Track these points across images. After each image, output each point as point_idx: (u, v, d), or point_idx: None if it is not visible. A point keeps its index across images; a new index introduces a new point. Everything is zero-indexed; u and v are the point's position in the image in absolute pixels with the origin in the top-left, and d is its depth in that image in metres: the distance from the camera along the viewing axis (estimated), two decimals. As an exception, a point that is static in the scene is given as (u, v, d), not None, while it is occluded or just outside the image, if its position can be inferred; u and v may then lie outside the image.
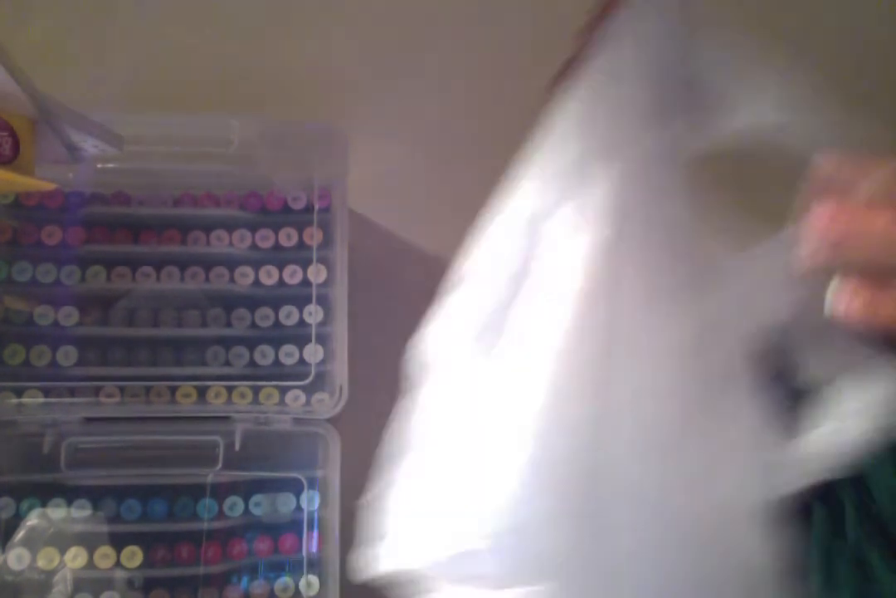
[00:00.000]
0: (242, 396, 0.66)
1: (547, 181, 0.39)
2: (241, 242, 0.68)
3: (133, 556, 0.62)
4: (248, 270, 0.68)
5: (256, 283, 0.68)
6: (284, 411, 0.65)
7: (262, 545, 0.65)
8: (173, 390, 0.65)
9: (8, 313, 0.65)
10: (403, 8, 0.87)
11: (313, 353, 0.66)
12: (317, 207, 0.69)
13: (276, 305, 0.68)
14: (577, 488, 0.33)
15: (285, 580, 0.64)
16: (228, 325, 0.67)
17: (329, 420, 0.65)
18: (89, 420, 0.64)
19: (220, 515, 0.64)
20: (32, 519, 0.62)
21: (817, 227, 0.32)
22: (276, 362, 0.67)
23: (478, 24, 0.88)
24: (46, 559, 0.61)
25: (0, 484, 0.62)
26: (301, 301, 0.67)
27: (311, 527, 0.65)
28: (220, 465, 0.64)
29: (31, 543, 0.61)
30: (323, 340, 0.67)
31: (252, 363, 0.66)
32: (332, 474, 0.65)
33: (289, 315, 0.67)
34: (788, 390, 0.35)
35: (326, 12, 0.86)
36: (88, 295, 0.66)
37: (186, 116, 0.71)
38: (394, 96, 0.86)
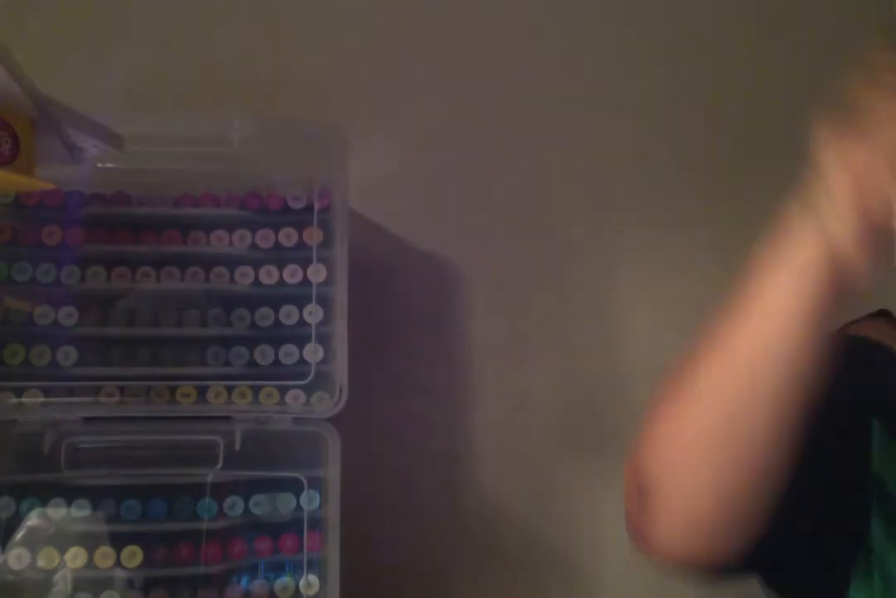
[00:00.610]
0: (242, 395, 0.66)
1: None
2: (241, 242, 0.68)
3: (133, 556, 0.62)
4: (248, 269, 0.68)
5: (256, 283, 0.68)
6: (284, 411, 0.65)
7: (262, 544, 0.64)
8: (173, 389, 0.65)
9: (8, 313, 0.65)
10: (403, 9, 0.87)
11: (313, 353, 0.66)
12: (317, 207, 0.69)
13: (276, 304, 0.67)
14: None
15: (285, 580, 0.64)
16: (228, 325, 0.67)
17: (329, 420, 0.65)
18: (89, 420, 0.64)
19: (220, 515, 0.64)
20: (32, 519, 0.62)
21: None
22: (276, 362, 0.67)
23: (478, 24, 0.88)
24: (46, 559, 0.61)
25: (0, 484, 0.62)
26: (301, 301, 0.67)
27: (311, 527, 0.65)
28: (220, 465, 0.64)
29: (31, 543, 0.61)
30: (323, 340, 0.67)
31: (252, 363, 0.66)
32: (332, 474, 0.65)
33: (289, 315, 0.67)
34: None
35: (327, 13, 0.86)
36: (88, 295, 0.66)
37: (186, 116, 0.71)
38: (394, 97, 0.86)
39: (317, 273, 0.67)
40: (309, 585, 0.64)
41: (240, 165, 0.70)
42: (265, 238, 0.68)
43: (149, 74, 0.82)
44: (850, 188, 0.37)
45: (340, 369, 0.65)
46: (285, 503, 0.65)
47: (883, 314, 0.56)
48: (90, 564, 0.61)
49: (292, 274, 0.68)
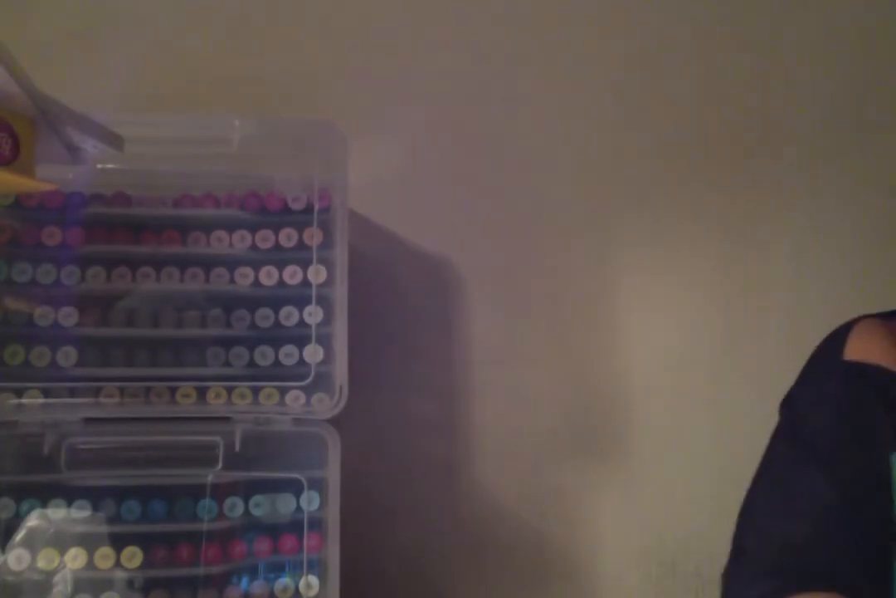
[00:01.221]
0: (242, 396, 0.66)
1: None
2: (241, 242, 0.68)
3: (133, 556, 0.62)
4: (248, 270, 0.68)
5: (256, 283, 0.68)
6: (284, 412, 0.65)
7: (262, 545, 0.65)
8: (173, 390, 0.65)
9: (8, 314, 0.65)
10: (403, 9, 0.87)
11: (313, 353, 0.66)
12: (317, 207, 0.68)
13: (276, 305, 0.67)
14: None
15: (285, 581, 0.64)
16: (228, 325, 0.67)
17: (329, 420, 0.65)
18: (89, 421, 0.64)
19: (220, 515, 0.64)
20: (32, 519, 0.62)
21: None
22: (276, 363, 0.67)
23: (478, 24, 0.88)
24: (46, 559, 0.61)
25: (0, 484, 0.62)
26: (301, 301, 0.67)
27: (311, 527, 0.65)
28: (220, 465, 0.64)
29: (31, 543, 0.61)
30: (323, 340, 0.66)
31: (252, 364, 0.66)
32: (332, 474, 0.65)
33: (289, 315, 0.67)
34: None
35: (327, 13, 0.86)
36: (88, 295, 0.66)
37: (186, 116, 0.71)
38: (394, 96, 0.86)
39: (317, 274, 0.67)
40: (309, 586, 0.64)
41: (240, 165, 0.70)
42: (265, 239, 0.68)
43: (149, 74, 0.81)
44: None
45: (340, 369, 0.65)
46: (285, 504, 0.65)
47: (862, 318, 0.55)
48: (90, 565, 0.61)
49: (292, 275, 0.68)
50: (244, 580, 0.64)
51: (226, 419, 0.65)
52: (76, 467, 0.63)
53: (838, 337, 0.54)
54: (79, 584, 0.61)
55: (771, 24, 0.90)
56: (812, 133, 0.89)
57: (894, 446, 0.48)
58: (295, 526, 0.65)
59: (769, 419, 0.57)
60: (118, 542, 0.62)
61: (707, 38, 0.89)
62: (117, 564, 0.61)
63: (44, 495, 0.63)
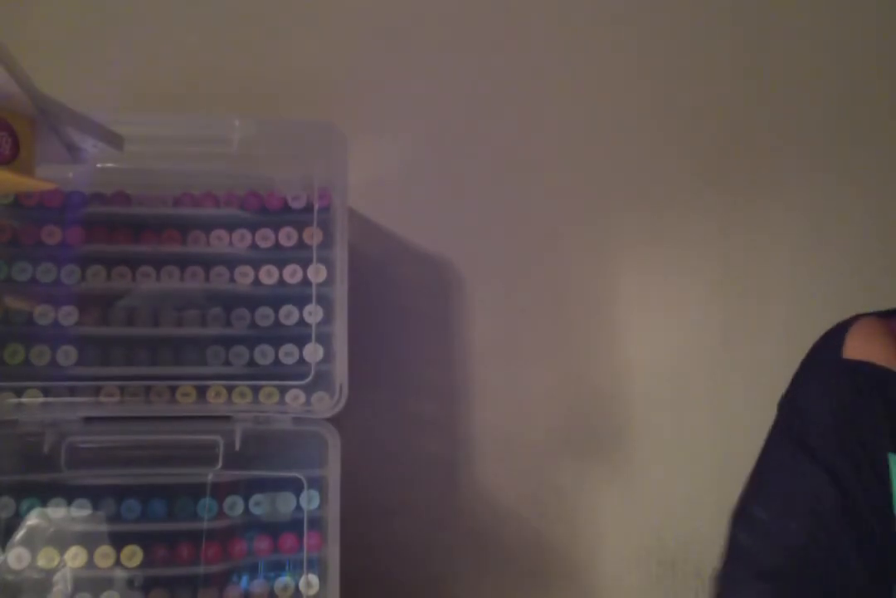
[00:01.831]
0: (242, 395, 0.66)
1: None
2: (241, 241, 0.68)
3: (133, 555, 0.62)
4: (248, 269, 0.68)
5: (256, 282, 0.68)
6: (284, 411, 0.65)
7: (262, 544, 0.65)
8: (173, 389, 0.65)
9: (8, 313, 0.65)
10: (403, 9, 0.87)
11: (313, 352, 0.66)
12: (317, 206, 0.69)
13: (276, 304, 0.68)
14: None
15: (285, 580, 0.64)
16: (228, 324, 0.67)
17: (329, 420, 0.65)
18: (89, 420, 0.64)
19: (220, 514, 0.64)
20: (32, 519, 0.62)
21: None
22: (276, 362, 0.67)
23: (478, 24, 0.88)
24: (46, 558, 0.61)
25: (0, 484, 0.62)
26: (301, 301, 0.67)
27: (311, 527, 0.65)
28: (220, 464, 0.64)
29: (31, 543, 0.61)
30: (323, 339, 0.67)
31: (252, 363, 0.66)
32: (332, 473, 0.65)
33: (289, 315, 0.67)
34: None
35: (326, 13, 0.86)
36: (88, 295, 0.66)
37: (186, 116, 0.71)
38: (393, 96, 0.86)
39: (317, 273, 0.67)
40: (309, 585, 0.64)
41: (240, 165, 0.70)
42: (265, 238, 0.68)
43: (149, 74, 0.82)
44: None
45: (340, 368, 0.65)
46: (285, 503, 0.65)
47: (860, 317, 0.55)
48: (90, 564, 0.61)
49: (292, 274, 0.68)
50: (244, 579, 0.64)
51: (226, 418, 0.65)
52: (76, 466, 0.63)
53: (836, 336, 0.54)
54: (79, 583, 0.61)
55: (771, 23, 0.90)
56: (812, 133, 0.89)
57: (892, 446, 0.48)
58: (295, 525, 0.65)
59: (769, 419, 0.57)
60: (118, 541, 0.62)
61: (707, 37, 0.89)
62: (117, 563, 0.61)
63: (44, 494, 0.63)
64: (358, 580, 0.66)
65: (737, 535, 0.51)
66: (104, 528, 0.62)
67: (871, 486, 0.47)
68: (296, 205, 0.69)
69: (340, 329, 0.66)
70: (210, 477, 0.64)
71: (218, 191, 0.70)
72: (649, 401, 0.85)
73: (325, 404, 0.65)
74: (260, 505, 0.65)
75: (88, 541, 0.61)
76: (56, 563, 0.61)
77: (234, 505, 0.64)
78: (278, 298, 0.68)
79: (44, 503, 0.62)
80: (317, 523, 0.65)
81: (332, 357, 0.66)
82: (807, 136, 0.89)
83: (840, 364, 0.52)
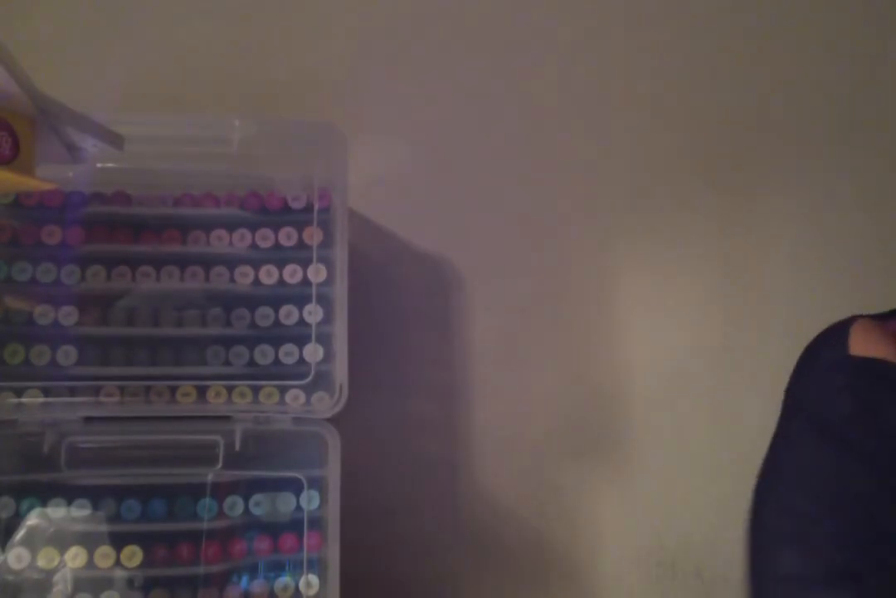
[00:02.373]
0: (242, 395, 0.66)
1: None
2: (241, 241, 0.68)
3: (133, 556, 0.62)
4: (248, 269, 0.68)
5: (256, 282, 0.68)
6: (284, 411, 0.65)
7: (262, 544, 0.65)
8: (173, 389, 0.65)
9: (8, 313, 0.65)
10: (403, 8, 0.87)
11: (313, 352, 0.66)
12: (317, 206, 0.69)
13: (276, 304, 0.68)
14: None
15: (285, 580, 0.64)
16: (228, 324, 0.67)
17: (329, 420, 0.65)
18: (89, 420, 0.64)
19: (220, 514, 0.64)
20: (32, 519, 0.62)
21: None
22: (276, 362, 0.67)
23: (477, 23, 0.88)
24: (46, 558, 0.61)
25: (0, 484, 0.62)
26: (301, 301, 0.67)
27: (311, 527, 0.65)
28: (220, 464, 0.64)
29: (31, 543, 0.61)
30: (323, 339, 0.67)
31: (252, 363, 0.66)
32: (332, 473, 0.65)
33: (289, 315, 0.67)
34: None
35: (326, 13, 0.86)
36: (88, 295, 0.66)
37: (186, 116, 0.71)
38: (393, 96, 0.86)
39: (317, 273, 0.67)
40: (309, 585, 0.64)
41: (240, 165, 0.70)
42: (265, 238, 0.68)
43: (149, 74, 0.82)
44: None
45: (340, 369, 0.65)
46: (285, 503, 0.65)
47: (859, 317, 0.55)
48: (90, 564, 0.61)
49: (292, 274, 0.68)
50: (244, 579, 0.64)
51: (226, 418, 0.65)
52: (76, 466, 0.63)
53: (838, 333, 0.54)
54: (79, 583, 0.61)
55: (771, 24, 0.90)
56: (812, 133, 0.89)
57: None
58: (295, 525, 0.65)
59: (770, 419, 0.57)
60: (118, 541, 0.62)
61: (705, 36, 0.89)
62: (117, 563, 0.61)
63: (44, 494, 0.63)
64: (358, 580, 0.66)
65: (781, 535, 0.49)
66: (104, 528, 0.62)
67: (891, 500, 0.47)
68: (296, 205, 0.69)
69: (340, 329, 0.66)
70: (210, 477, 0.64)
71: (218, 191, 0.70)
72: (649, 401, 0.85)
73: (325, 405, 0.65)
74: (260, 505, 0.65)
75: (88, 541, 0.61)
76: (56, 563, 0.61)
77: (234, 505, 0.64)
78: (278, 298, 0.68)
79: (44, 503, 0.62)
80: (317, 523, 0.65)
81: (332, 357, 0.66)
82: (807, 136, 0.89)
83: (849, 359, 0.52)
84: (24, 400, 0.63)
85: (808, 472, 0.50)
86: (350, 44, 0.86)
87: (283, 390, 0.66)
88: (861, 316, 0.55)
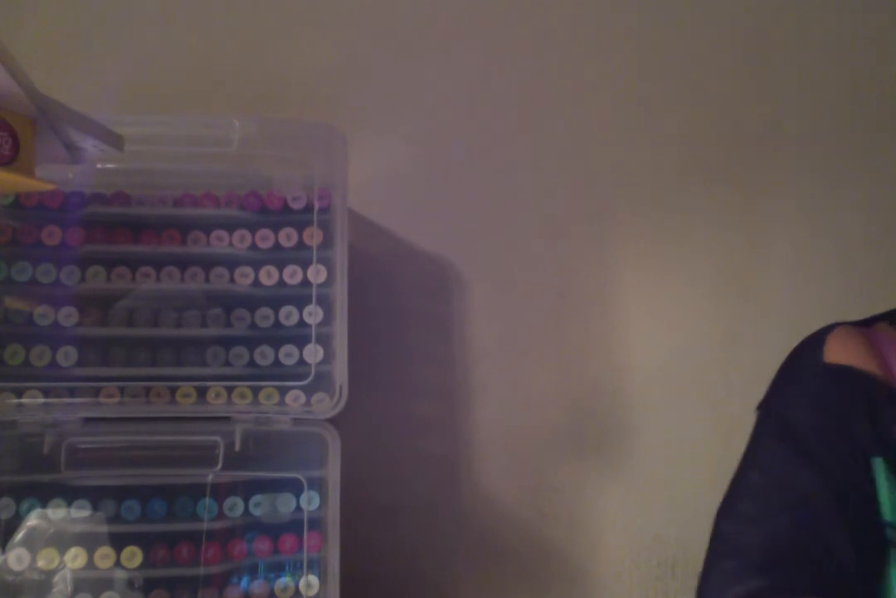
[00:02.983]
0: (242, 396, 0.66)
1: None
2: (241, 242, 0.68)
3: (133, 556, 0.62)
4: (248, 270, 0.68)
5: (256, 283, 0.68)
6: (284, 412, 0.65)
7: (262, 545, 0.65)
8: (173, 390, 0.65)
9: (8, 313, 0.65)
10: (403, 9, 0.87)
11: (313, 353, 0.66)
12: (317, 207, 0.68)
13: (276, 305, 0.67)
14: None
15: (285, 580, 0.64)
16: (228, 325, 0.67)
17: (329, 420, 0.65)
18: (89, 420, 0.64)
19: (220, 515, 0.64)
20: (32, 519, 0.62)
21: None
22: (276, 363, 0.67)
23: (478, 24, 0.88)
24: (46, 559, 0.61)
25: (0, 484, 0.62)
26: (301, 301, 0.67)
27: (311, 527, 0.65)
28: (220, 465, 0.64)
29: (31, 543, 0.61)
30: (323, 340, 0.67)
31: (252, 363, 0.66)
32: (332, 474, 0.65)
33: (289, 315, 0.67)
34: None
35: (326, 13, 0.86)
36: (88, 295, 0.66)
37: (186, 116, 0.71)
38: (393, 96, 0.86)
39: (317, 274, 0.67)
40: (309, 585, 0.64)
41: (240, 165, 0.70)
42: (265, 238, 0.68)
43: (149, 74, 0.82)
44: None
45: (340, 369, 0.65)
46: (285, 504, 0.65)
47: (839, 325, 0.56)
48: (90, 564, 0.61)
49: (292, 274, 0.68)
50: (244, 580, 0.64)
51: (226, 419, 0.65)
52: (76, 467, 0.63)
53: (816, 341, 0.55)
54: (79, 584, 0.61)
55: (771, 25, 0.90)
56: (812, 134, 0.89)
57: (876, 448, 0.48)
58: (295, 526, 0.65)
59: (769, 419, 0.57)
60: (118, 542, 0.62)
61: (707, 37, 0.89)
62: (117, 563, 0.61)
63: (44, 494, 0.63)
64: (358, 580, 0.66)
65: (723, 530, 0.51)
66: (104, 529, 0.62)
67: (858, 483, 0.47)
68: (296, 205, 0.69)
69: (340, 330, 0.66)
70: (210, 478, 0.64)
71: (218, 191, 0.69)
72: (649, 401, 0.85)
73: (325, 405, 0.65)
74: (260, 506, 0.65)
75: (88, 542, 0.61)
76: (56, 564, 0.61)
77: (234, 506, 0.64)
78: (278, 298, 0.68)
79: (44, 504, 0.62)
80: (317, 523, 0.65)
81: (332, 358, 0.66)
82: (807, 137, 0.89)
83: (822, 367, 0.52)
84: (24, 401, 0.63)
85: (766, 473, 0.51)
86: (350, 44, 0.85)
87: (283, 391, 0.66)
88: (841, 324, 0.56)
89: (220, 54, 0.84)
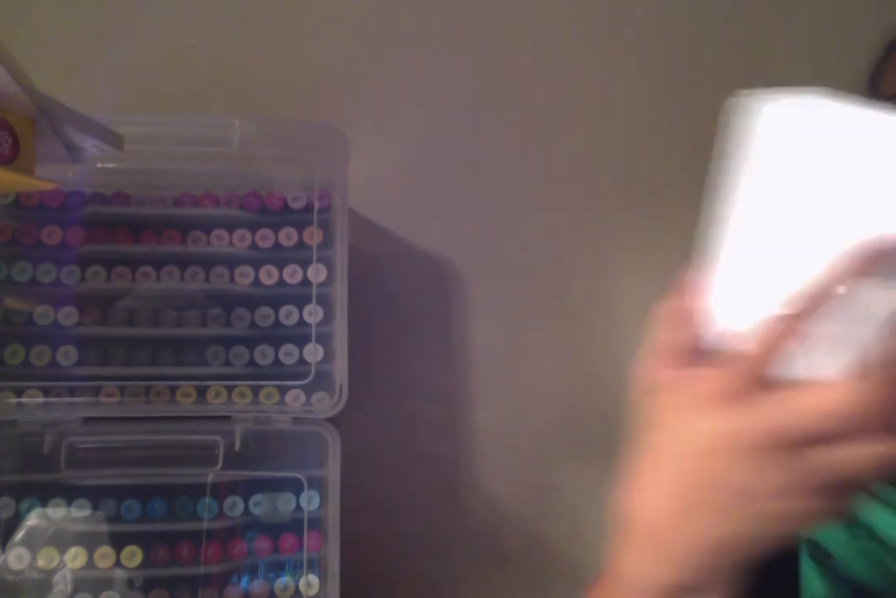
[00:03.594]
0: (242, 395, 0.66)
1: None
2: (241, 241, 0.68)
3: (133, 556, 0.62)
4: (248, 269, 0.68)
5: (256, 283, 0.68)
6: (284, 411, 0.65)
7: (262, 544, 0.65)
8: (173, 389, 0.65)
9: (8, 313, 0.65)
10: (403, 9, 0.87)
11: (313, 353, 0.66)
12: (317, 207, 0.69)
13: (276, 304, 0.68)
14: None
15: (285, 580, 0.64)
16: (228, 325, 0.67)
17: (329, 420, 0.65)
18: (89, 420, 0.64)
19: (220, 515, 0.64)
20: (32, 519, 0.62)
21: None
22: (276, 362, 0.67)
23: (477, 25, 0.88)
24: (46, 559, 0.61)
25: (0, 484, 0.62)
26: (301, 301, 0.67)
27: (311, 527, 0.65)
28: (220, 465, 0.64)
29: (31, 543, 0.61)
30: (323, 340, 0.67)
31: (252, 363, 0.66)
32: (332, 473, 0.65)
33: (289, 315, 0.67)
34: None
35: (326, 13, 0.86)
36: (88, 295, 0.66)
37: (186, 116, 0.71)
38: (393, 96, 0.86)
39: (317, 273, 0.67)
40: (309, 585, 0.64)
41: (240, 165, 0.70)
42: (265, 238, 0.68)
43: (149, 74, 0.82)
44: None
45: (340, 369, 0.65)
46: (285, 503, 0.65)
47: None
48: (90, 564, 0.61)
49: (292, 274, 0.68)
50: (244, 580, 0.64)
51: (226, 418, 0.65)
52: (76, 467, 0.63)
53: None
54: (79, 583, 0.61)
55: (771, 25, 0.90)
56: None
57: None
58: (295, 525, 0.65)
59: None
60: (118, 541, 0.62)
61: (707, 39, 0.89)
62: (117, 563, 0.61)
63: (44, 494, 0.63)
64: (358, 580, 0.66)
65: None
66: (104, 528, 0.62)
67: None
68: (296, 205, 0.69)
69: (340, 329, 0.66)
70: (210, 477, 0.64)
71: (218, 191, 0.70)
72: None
73: (325, 405, 0.65)
74: (260, 505, 0.65)
75: (88, 541, 0.61)
76: (56, 563, 0.61)
77: (234, 505, 0.64)
78: (278, 298, 0.68)
79: (44, 504, 0.62)
80: (317, 523, 0.65)
81: (332, 357, 0.66)
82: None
83: None
84: (24, 400, 0.63)
85: None
86: (350, 44, 0.85)
87: (283, 391, 0.66)
88: None
89: (220, 54, 0.84)
